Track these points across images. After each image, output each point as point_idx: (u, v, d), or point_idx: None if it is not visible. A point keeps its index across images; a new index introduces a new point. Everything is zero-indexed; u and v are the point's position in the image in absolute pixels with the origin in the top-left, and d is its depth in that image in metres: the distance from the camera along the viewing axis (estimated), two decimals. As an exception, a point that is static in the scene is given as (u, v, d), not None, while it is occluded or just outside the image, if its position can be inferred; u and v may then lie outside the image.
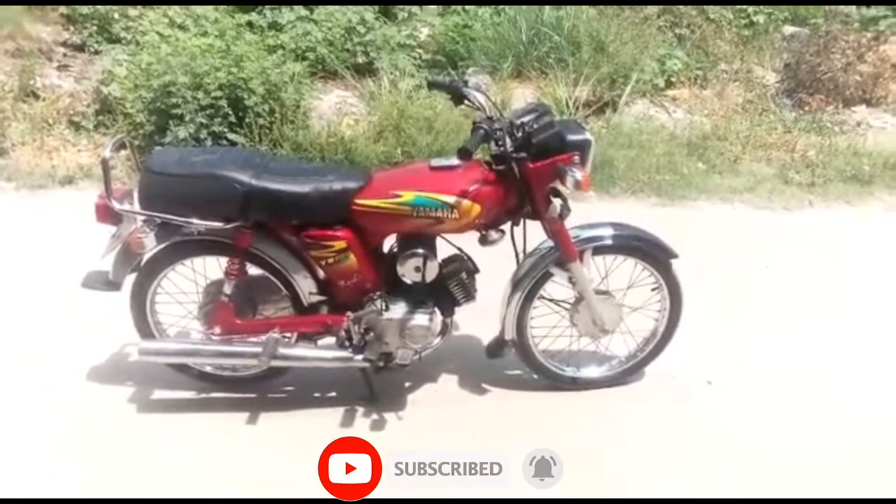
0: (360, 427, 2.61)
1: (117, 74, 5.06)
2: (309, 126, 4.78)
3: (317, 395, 2.78)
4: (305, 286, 2.51)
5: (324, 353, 2.58)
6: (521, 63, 6.23)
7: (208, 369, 2.69)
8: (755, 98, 5.69)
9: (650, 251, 2.64)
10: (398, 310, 2.49)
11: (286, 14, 6.33)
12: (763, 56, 6.58)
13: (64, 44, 6.61)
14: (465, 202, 2.36)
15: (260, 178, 2.32)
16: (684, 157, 4.90)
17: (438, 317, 2.54)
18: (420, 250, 2.43)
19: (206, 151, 2.89)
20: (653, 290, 2.73)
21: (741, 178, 4.70)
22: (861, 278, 3.63)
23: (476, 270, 2.62)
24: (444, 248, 2.60)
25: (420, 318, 2.48)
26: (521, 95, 5.50)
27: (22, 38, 7.01)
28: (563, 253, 2.53)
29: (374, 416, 2.66)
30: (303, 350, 2.56)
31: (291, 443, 2.53)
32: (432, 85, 2.79)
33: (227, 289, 2.48)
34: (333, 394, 2.77)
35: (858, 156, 4.92)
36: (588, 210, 4.36)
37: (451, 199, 2.35)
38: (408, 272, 2.45)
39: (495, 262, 2.63)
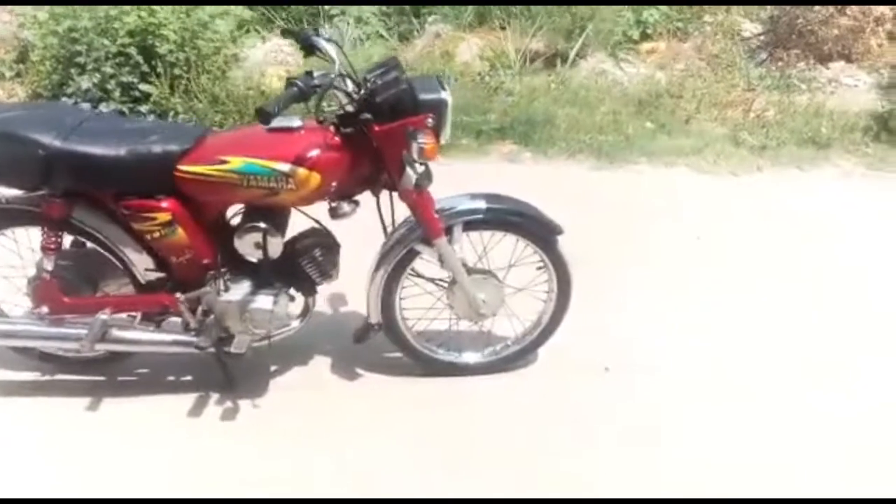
0: (211, 415, 2.38)
1: (38, 18, 4.74)
2: (228, 77, 4.45)
3: (171, 378, 2.54)
4: (139, 261, 2.25)
5: (159, 336, 2.33)
6: (483, 13, 5.87)
7: (51, 350, 2.45)
8: (720, 52, 5.30)
9: (530, 227, 2.36)
10: (238, 291, 2.23)
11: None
12: (752, 7, 6.14)
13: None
14: (301, 170, 2.08)
15: (66, 140, 2.04)
16: (632, 116, 4.57)
17: (285, 299, 2.29)
18: (259, 224, 2.16)
19: (20, 107, 2.59)
20: (538, 269, 2.46)
21: (690, 140, 4.38)
22: (798, 252, 3.35)
23: (336, 245, 2.36)
24: (301, 221, 2.34)
25: (262, 301, 2.23)
26: (466, 48, 5.14)
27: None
28: (425, 229, 2.25)
29: (228, 404, 2.43)
30: (136, 333, 2.32)
31: (136, 432, 2.30)
32: (285, 32, 2.48)
33: (48, 264, 2.22)
34: (189, 378, 2.53)
35: (819, 117, 4.58)
36: (520, 173, 4.15)
37: (284, 167, 2.07)
38: (247, 248, 2.19)
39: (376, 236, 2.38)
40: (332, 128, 2.14)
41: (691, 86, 4.84)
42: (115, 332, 2.27)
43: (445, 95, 2.09)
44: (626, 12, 5.78)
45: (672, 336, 2.77)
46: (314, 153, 2.08)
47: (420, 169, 2.15)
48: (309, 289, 2.36)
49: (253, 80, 4.50)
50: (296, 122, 2.10)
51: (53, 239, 2.19)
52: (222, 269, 2.25)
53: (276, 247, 2.20)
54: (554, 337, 2.58)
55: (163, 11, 4.35)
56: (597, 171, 4.11)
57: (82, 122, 2.13)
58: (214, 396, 2.45)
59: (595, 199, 3.76)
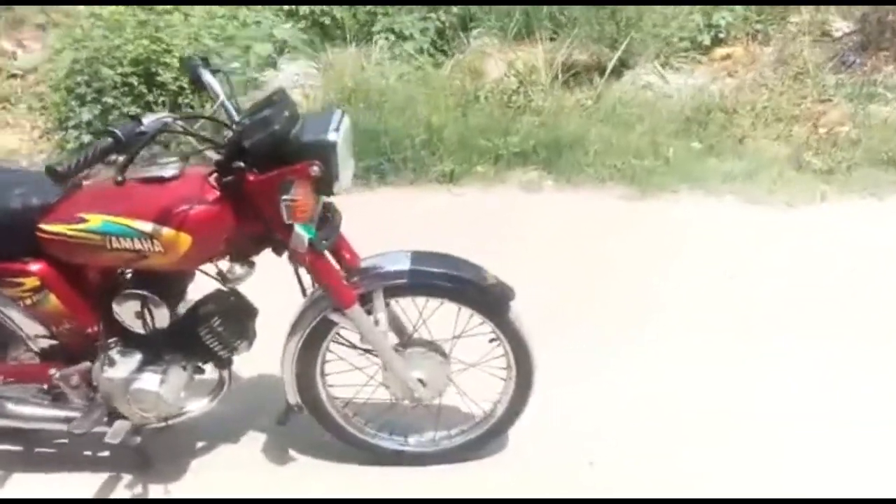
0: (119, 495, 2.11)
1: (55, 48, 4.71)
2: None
3: (87, 452, 2.25)
4: (26, 327, 1.98)
5: (51, 412, 2.06)
6: (531, 24, 5.41)
7: None
8: (789, 57, 4.60)
9: (469, 293, 1.92)
10: (123, 367, 1.92)
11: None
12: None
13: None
14: (167, 230, 1.73)
15: None
16: (676, 135, 3.99)
17: (180, 376, 1.95)
18: (137, 290, 1.84)
19: None
20: (490, 341, 2.01)
21: (742, 163, 3.76)
22: (864, 301, 2.72)
23: (247, 311, 2.02)
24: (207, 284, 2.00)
25: (146, 380, 1.90)
26: (496, 63, 4.70)
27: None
28: (332, 297, 1.86)
29: (138, 488, 2.12)
30: (24, 407, 2.05)
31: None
32: (181, 61, 2.12)
33: None
34: (106, 454, 2.23)
35: (905, 133, 3.84)
36: (538, 203, 3.67)
37: (146, 227, 1.74)
38: (127, 318, 1.87)
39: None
40: (214, 177, 1.79)
41: (749, 98, 4.20)
42: (5, 404, 2.02)
43: (333, 137, 1.68)
44: (696, 14, 5.16)
45: (678, 417, 2.25)
46: (181, 209, 1.73)
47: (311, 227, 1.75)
48: (220, 361, 2.02)
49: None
50: (169, 171, 1.77)
51: None
52: (111, 341, 1.94)
53: (162, 317, 1.87)
54: (525, 419, 2.12)
55: (173, 35, 4.19)
56: (626, 201, 3.58)
57: None
58: (127, 477, 2.17)
59: (617, 234, 3.26)
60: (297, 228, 1.73)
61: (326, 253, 1.85)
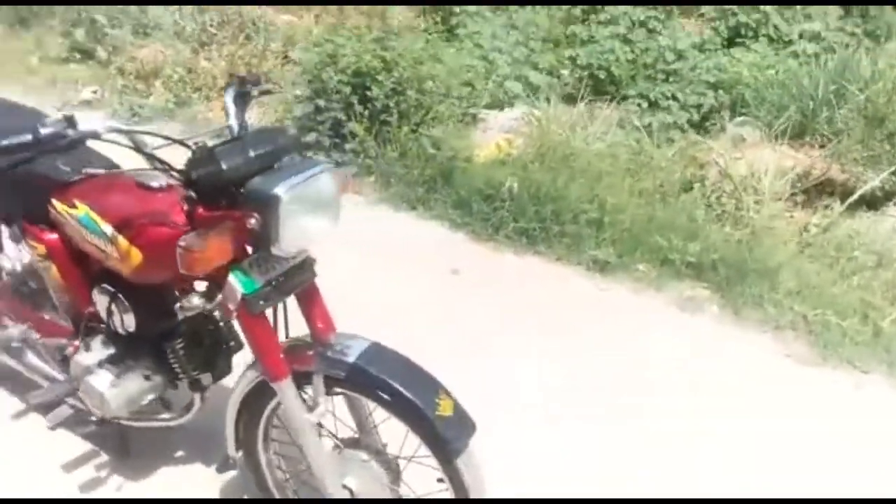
0: (85, 478, 2.14)
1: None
2: (429, 136, 4.14)
3: (70, 431, 2.22)
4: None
5: (43, 370, 2.15)
6: (805, 124, 4.68)
7: None
8: None
9: (411, 416, 1.58)
10: (91, 355, 1.91)
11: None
12: None
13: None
14: (122, 240, 1.67)
15: None
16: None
17: (133, 383, 1.90)
18: (107, 286, 1.81)
19: None
20: (438, 480, 1.65)
21: None
22: None
23: (223, 343, 1.91)
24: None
25: (99, 377, 1.88)
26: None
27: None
28: (260, 363, 1.65)
29: (115, 476, 2.14)
30: (29, 355, 2.19)
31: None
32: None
33: None
34: (88, 444, 2.24)
35: None
36: (686, 330, 3.05)
37: (108, 230, 1.69)
38: (101, 310, 1.86)
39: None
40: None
41: None
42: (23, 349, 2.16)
43: (281, 191, 1.46)
44: None
45: None
46: (141, 222, 1.66)
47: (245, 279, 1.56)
48: (191, 383, 1.93)
49: (459, 143, 4.16)
50: (157, 181, 1.71)
51: None
52: (95, 327, 1.96)
53: (129, 320, 1.83)
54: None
55: (397, 56, 4.31)
56: (797, 364, 2.83)
57: None
58: (93, 462, 2.19)
59: (773, 405, 2.58)
60: (232, 278, 1.56)
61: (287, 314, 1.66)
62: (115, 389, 1.86)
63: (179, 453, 2.22)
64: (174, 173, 1.59)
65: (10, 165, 1.46)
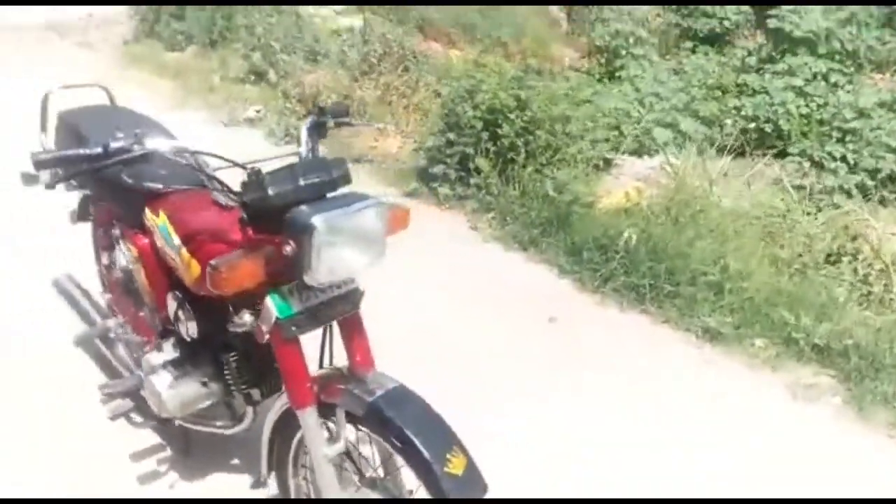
0: (144, 471, 2.28)
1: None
2: (552, 178, 4.06)
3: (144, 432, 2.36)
4: None
5: (124, 360, 2.32)
6: None
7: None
8: None
9: (419, 465, 1.52)
10: (160, 356, 2.02)
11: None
12: None
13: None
14: (185, 252, 1.76)
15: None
16: None
17: (189, 389, 1.98)
18: (179, 292, 1.91)
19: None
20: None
21: None
22: None
23: (270, 364, 1.95)
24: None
25: (160, 378, 1.98)
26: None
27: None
28: (286, 388, 1.67)
29: (170, 472, 2.27)
30: (118, 346, 2.35)
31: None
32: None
33: (104, 258, 2.42)
34: (156, 439, 2.38)
35: None
36: (796, 418, 2.69)
37: (177, 240, 1.79)
38: (171, 314, 1.97)
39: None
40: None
41: None
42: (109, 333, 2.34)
43: (318, 221, 1.47)
44: None
45: None
46: (203, 237, 1.74)
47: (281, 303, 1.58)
48: (243, 396, 2.00)
49: (582, 188, 4.04)
50: (227, 200, 1.78)
51: (102, 237, 2.36)
52: (171, 329, 2.08)
53: (192, 328, 1.92)
54: None
55: (530, 97, 4.29)
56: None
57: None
58: (157, 456, 2.33)
59: None
60: (269, 300, 1.60)
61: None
62: (171, 391, 1.96)
63: (234, 461, 2.30)
64: (231, 195, 1.66)
65: (95, 170, 1.61)
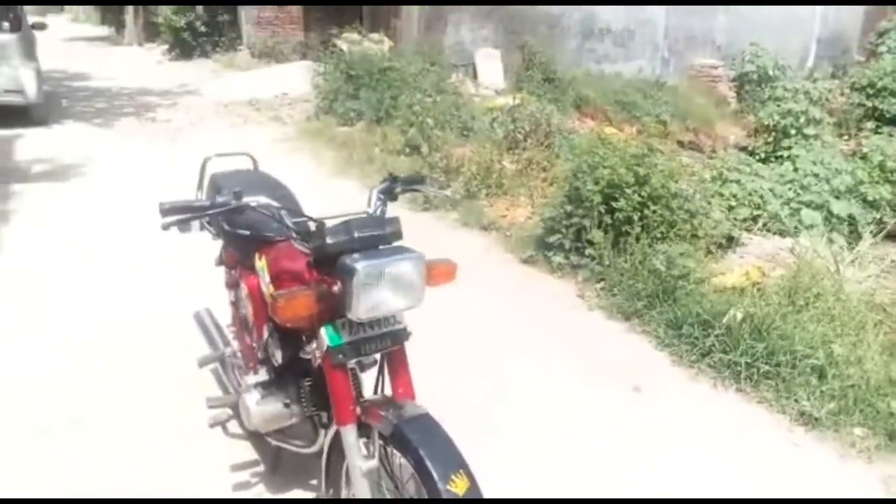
0: (230, 481, 2.61)
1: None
2: (664, 252, 4.11)
3: (244, 444, 2.77)
4: None
5: (233, 382, 2.72)
6: None
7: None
8: None
9: (428, 485, 1.73)
10: (256, 377, 2.39)
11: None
12: None
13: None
14: (272, 287, 2.13)
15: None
16: None
17: (274, 408, 2.31)
18: (271, 324, 2.28)
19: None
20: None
21: None
22: None
23: None
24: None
25: (251, 395, 2.34)
26: None
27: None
28: (332, 408, 1.96)
29: (260, 485, 2.62)
30: (230, 372, 2.76)
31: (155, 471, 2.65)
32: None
33: (230, 296, 2.87)
34: (254, 454, 2.74)
35: None
36: (821, 478, 2.54)
37: (268, 278, 2.17)
38: (265, 343, 2.35)
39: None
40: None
41: None
42: (227, 358, 2.78)
43: (361, 266, 1.79)
44: None
45: None
46: (283, 277, 2.11)
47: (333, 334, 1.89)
48: (320, 418, 2.33)
49: (692, 263, 4.06)
50: (306, 248, 2.14)
51: (227, 277, 2.83)
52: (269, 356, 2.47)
53: (277, 355, 2.28)
54: None
55: (651, 173, 4.42)
56: None
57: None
58: (250, 470, 2.67)
59: None
60: (323, 331, 1.92)
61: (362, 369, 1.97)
62: (258, 408, 2.32)
63: (313, 481, 2.60)
64: (304, 242, 2.03)
65: (207, 218, 2.06)
